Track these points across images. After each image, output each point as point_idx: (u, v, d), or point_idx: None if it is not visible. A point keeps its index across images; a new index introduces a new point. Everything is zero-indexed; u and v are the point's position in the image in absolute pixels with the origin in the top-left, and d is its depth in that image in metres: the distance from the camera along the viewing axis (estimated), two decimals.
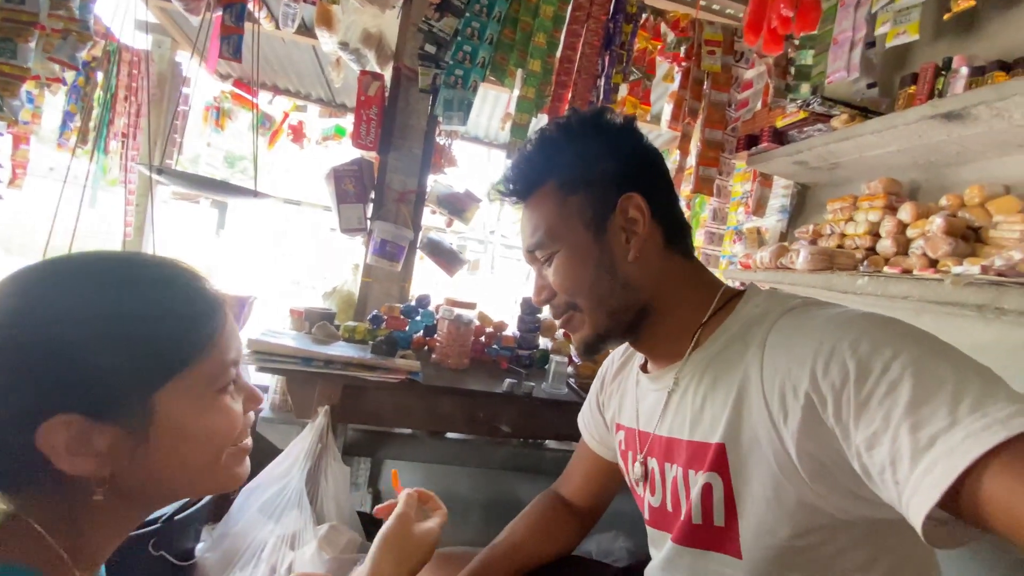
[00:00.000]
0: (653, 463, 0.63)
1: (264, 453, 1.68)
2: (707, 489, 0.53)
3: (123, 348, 0.42)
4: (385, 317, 1.57)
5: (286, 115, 4.23)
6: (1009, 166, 1.35)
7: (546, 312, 1.82)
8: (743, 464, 0.50)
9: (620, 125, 0.66)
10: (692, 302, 0.62)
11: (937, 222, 1.36)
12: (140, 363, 0.42)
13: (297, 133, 4.39)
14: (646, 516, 0.66)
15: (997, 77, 1.18)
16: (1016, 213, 1.25)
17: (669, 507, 0.60)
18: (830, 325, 0.46)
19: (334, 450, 1.17)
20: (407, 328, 1.57)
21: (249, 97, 3.83)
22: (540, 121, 2.22)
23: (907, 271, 1.39)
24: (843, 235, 1.72)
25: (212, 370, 0.47)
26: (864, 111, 1.61)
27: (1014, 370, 1.20)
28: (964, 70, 1.27)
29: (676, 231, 0.64)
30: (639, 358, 0.72)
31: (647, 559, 0.84)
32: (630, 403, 0.71)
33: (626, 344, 0.79)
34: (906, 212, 1.49)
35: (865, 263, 1.58)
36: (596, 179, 0.63)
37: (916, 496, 0.35)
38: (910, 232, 1.48)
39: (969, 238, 1.36)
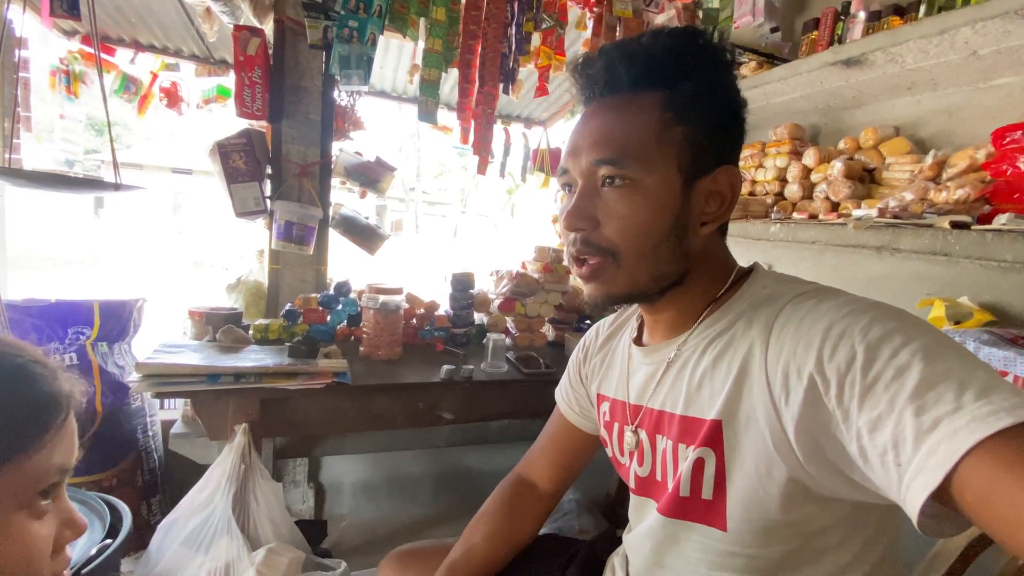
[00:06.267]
0: (643, 434, 0.62)
1: (184, 472, 1.53)
2: (699, 464, 0.53)
3: None
4: (301, 311, 1.42)
5: (154, 76, 3.64)
6: (898, 108, 1.44)
7: (479, 287, 1.76)
8: (738, 441, 0.50)
9: (738, 82, 0.56)
10: (711, 279, 0.58)
11: (837, 166, 1.44)
12: None
13: (172, 97, 3.81)
14: (632, 485, 0.65)
15: (893, 22, 1.22)
16: (905, 154, 1.34)
17: (658, 477, 0.60)
18: (842, 310, 0.45)
19: (260, 468, 1.07)
20: (328, 320, 1.44)
21: (107, 57, 3.23)
22: (451, 76, 2.06)
23: (813, 216, 1.46)
24: (754, 181, 1.78)
25: (17, 478, 0.38)
26: (770, 58, 1.63)
27: (904, 297, 1.33)
28: (862, 15, 1.30)
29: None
30: (630, 330, 0.70)
31: (611, 530, 0.85)
32: (617, 375, 0.69)
33: (615, 315, 0.77)
34: (810, 157, 1.56)
35: (775, 208, 1.65)
36: (708, 123, 0.53)
37: (919, 477, 0.35)
38: (814, 176, 1.56)
39: (865, 180, 1.45)
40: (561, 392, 0.82)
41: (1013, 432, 0.33)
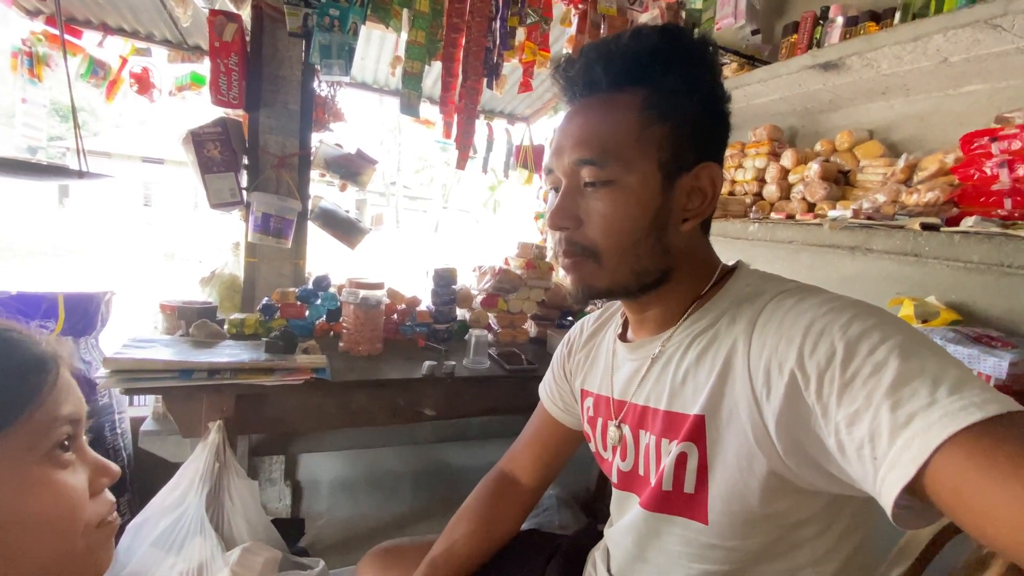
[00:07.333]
0: (626, 429, 0.63)
1: (155, 471, 1.48)
2: (681, 458, 0.53)
3: None
4: (279, 305, 1.39)
5: (124, 61, 3.50)
6: (873, 112, 1.47)
7: (461, 282, 1.75)
8: (720, 435, 0.51)
9: (722, 77, 0.57)
10: (695, 277, 0.59)
11: (814, 167, 1.47)
12: None
13: (143, 83, 3.67)
14: (614, 480, 0.66)
15: (869, 27, 1.25)
16: (879, 157, 1.38)
17: (640, 471, 0.60)
18: (823, 308, 0.46)
19: (235, 466, 1.04)
20: (306, 315, 1.41)
21: (73, 40, 3.08)
22: (434, 70, 2.03)
23: (791, 216, 1.50)
24: (733, 181, 1.81)
25: (26, 436, 0.40)
26: (751, 59, 1.66)
27: (875, 296, 1.36)
28: (840, 20, 1.32)
29: (714, 210, 0.59)
30: (615, 327, 0.70)
31: (592, 525, 0.86)
32: (601, 371, 0.69)
33: (599, 312, 0.78)
34: (787, 158, 1.59)
35: (754, 208, 1.69)
36: (688, 120, 0.53)
37: (894, 471, 0.36)
38: (791, 177, 1.59)
39: (840, 181, 1.49)
40: (545, 388, 0.83)
41: (983, 426, 0.34)
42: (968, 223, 1.01)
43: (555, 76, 0.59)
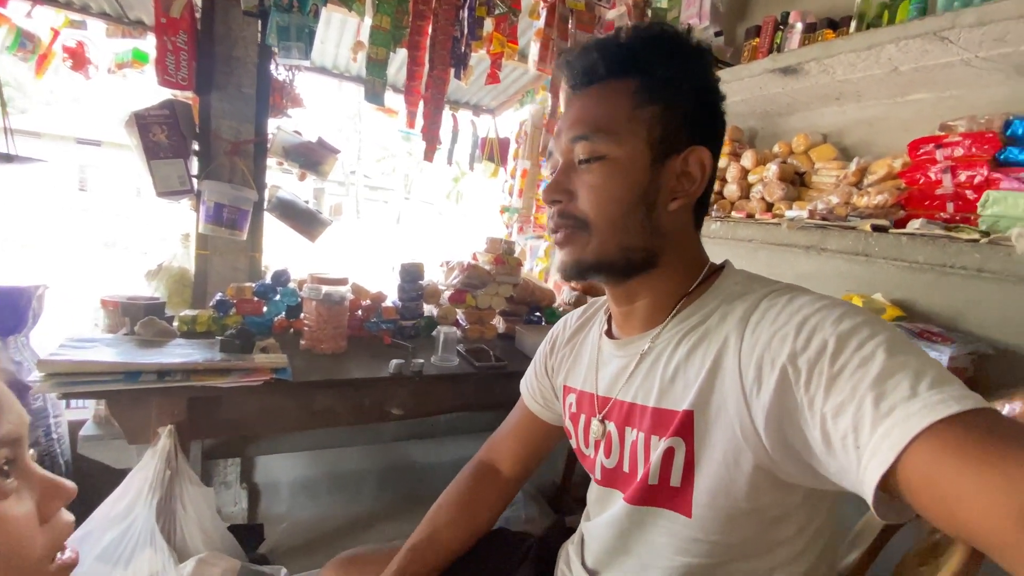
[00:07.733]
0: (610, 426, 0.63)
1: (98, 478, 1.38)
2: (669, 453, 0.54)
3: None
4: (234, 301, 1.32)
5: (56, 33, 3.21)
6: (827, 116, 1.54)
7: (428, 278, 1.71)
8: (708, 430, 0.52)
9: (716, 75, 0.61)
10: (684, 271, 0.60)
11: (772, 168, 1.52)
12: None
13: (78, 58, 3.38)
14: (597, 476, 0.66)
15: (826, 35, 1.30)
16: (832, 160, 1.45)
17: (625, 468, 0.61)
18: (815, 305, 0.48)
19: (188, 472, 0.98)
20: (264, 311, 1.35)
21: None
22: (398, 57, 1.97)
23: (750, 215, 1.55)
24: None
25: None
26: (715, 60, 1.69)
27: (828, 293, 1.43)
28: (799, 26, 1.37)
29: (705, 202, 0.61)
30: (599, 323, 0.71)
31: (561, 522, 0.86)
32: (585, 367, 0.70)
33: (583, 309, 0.78)
34: (748, 159, 1.64)
35: (715, 207, 1.73)
36: (679, 105, 0.57)
37: (875, 459, 0.37)
38: (751, 177, 1.65)
39: (796, 182, 1.55)
40: (526, 384, 0.83)
41: (958, 419, 0.36)
42: (914, 225, 1.07)
43: (560, 65, 0.64)
